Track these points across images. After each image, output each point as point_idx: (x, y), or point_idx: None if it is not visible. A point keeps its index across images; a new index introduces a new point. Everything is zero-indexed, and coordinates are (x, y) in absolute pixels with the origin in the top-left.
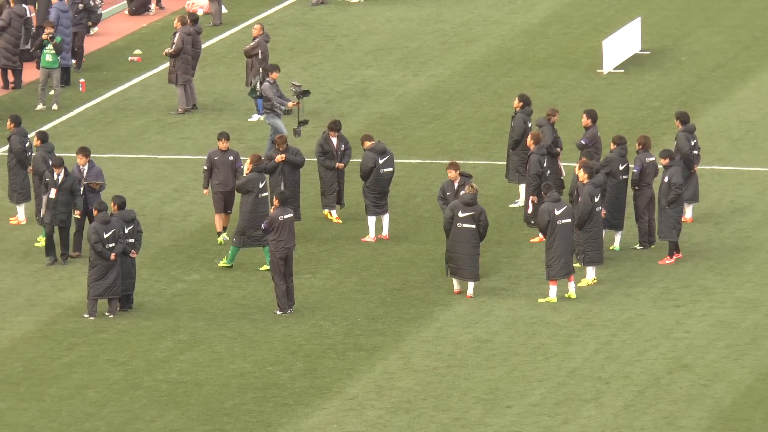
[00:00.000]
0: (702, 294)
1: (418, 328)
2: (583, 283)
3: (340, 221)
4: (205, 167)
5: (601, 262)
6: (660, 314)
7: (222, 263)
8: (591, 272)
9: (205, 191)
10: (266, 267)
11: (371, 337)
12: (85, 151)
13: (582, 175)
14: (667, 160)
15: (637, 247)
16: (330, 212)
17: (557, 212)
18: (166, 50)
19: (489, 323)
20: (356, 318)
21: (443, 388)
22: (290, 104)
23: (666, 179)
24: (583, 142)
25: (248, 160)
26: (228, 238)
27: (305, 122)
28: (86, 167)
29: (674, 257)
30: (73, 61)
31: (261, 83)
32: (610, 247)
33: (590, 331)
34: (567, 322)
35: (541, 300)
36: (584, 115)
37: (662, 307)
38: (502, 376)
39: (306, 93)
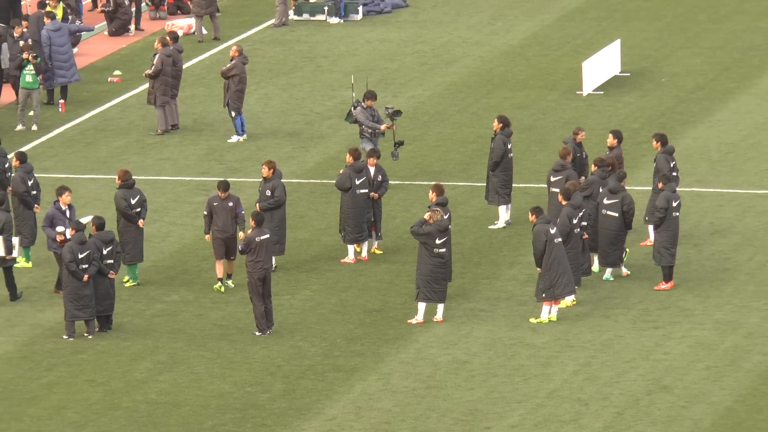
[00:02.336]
0: (681, 315)
1: (397, 349)
2: (563, 304)
3: (380, 251)
4: (205, 212)
5: (579, 284)
6: (639, 336)
7: (129, 284)
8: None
9: (207, 237)
10: (131, 282)
11: (350, 358)
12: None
13: (559, 197)
14: (661, 184)
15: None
16: (358, 245)
17: (552, 231)
18: (146, 71)
19: (468, 344)
20: (335, 339)
21: (422, 410)
22: (382, 127)
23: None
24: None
25: (117, 176)
26: (233, 285)
27: (401, 143)
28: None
29: (669, 283)
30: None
31: (354, 108)
32: (592, 268)
33: (569, 352)
34: (546, 344)
35: (532, 320)
36: (610, 135)
37: (641, 329)
38: (481, 397)
39: (398, 113)
